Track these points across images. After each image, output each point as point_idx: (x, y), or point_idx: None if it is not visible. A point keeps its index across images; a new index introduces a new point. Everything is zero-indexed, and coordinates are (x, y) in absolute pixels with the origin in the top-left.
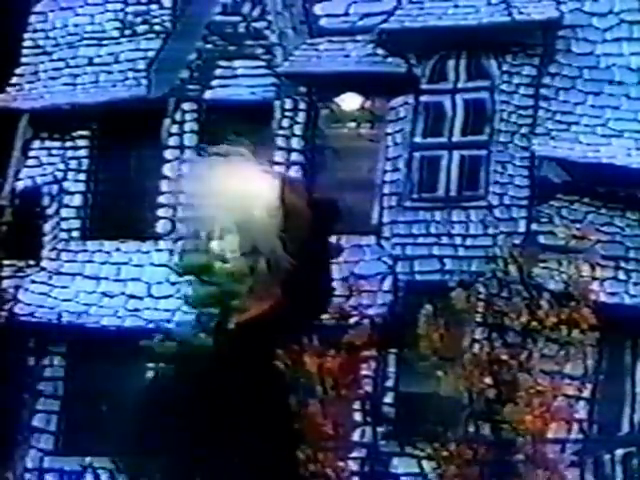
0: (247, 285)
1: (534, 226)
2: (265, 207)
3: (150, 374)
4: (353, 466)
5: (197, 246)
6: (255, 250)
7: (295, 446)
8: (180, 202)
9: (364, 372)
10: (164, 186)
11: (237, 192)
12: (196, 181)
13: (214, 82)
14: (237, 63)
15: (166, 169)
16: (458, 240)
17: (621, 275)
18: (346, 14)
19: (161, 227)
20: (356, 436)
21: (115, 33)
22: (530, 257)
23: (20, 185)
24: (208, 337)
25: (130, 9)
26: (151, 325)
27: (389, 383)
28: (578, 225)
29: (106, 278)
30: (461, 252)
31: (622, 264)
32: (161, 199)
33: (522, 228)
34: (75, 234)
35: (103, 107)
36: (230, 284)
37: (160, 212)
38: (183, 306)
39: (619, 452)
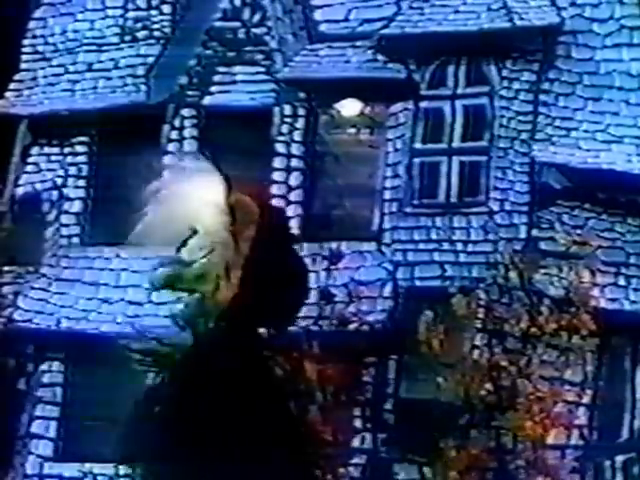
0: (212, 284)
1: (535, 232)
2: (213, 207)
3: (149, 379)
4: (353, 472)
5: (168, 258)
6: (214, 249)
7: (301, 446)
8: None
9: (364, 378)
10: None
11: (187, 197)
12: (153, 194)
13: (213, 88)
14: (237, 69)
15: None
16: (459, 246)
17: (621, 281)
18: (346, 20)
19: None
20: (356, 442)
21: (114, 39)
22: (531, 263)
23: (19, 191)
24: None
25: (130, 15)
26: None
27: (389, 389)
28: (579, 231)
29: (106, 284)
30: (462, 258)
31: (622, 270)
32: None
33: (523, 234)
34: (75, 240)
35: (102, 113)
36: (199, 287)
37: None
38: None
39: (619, 458)
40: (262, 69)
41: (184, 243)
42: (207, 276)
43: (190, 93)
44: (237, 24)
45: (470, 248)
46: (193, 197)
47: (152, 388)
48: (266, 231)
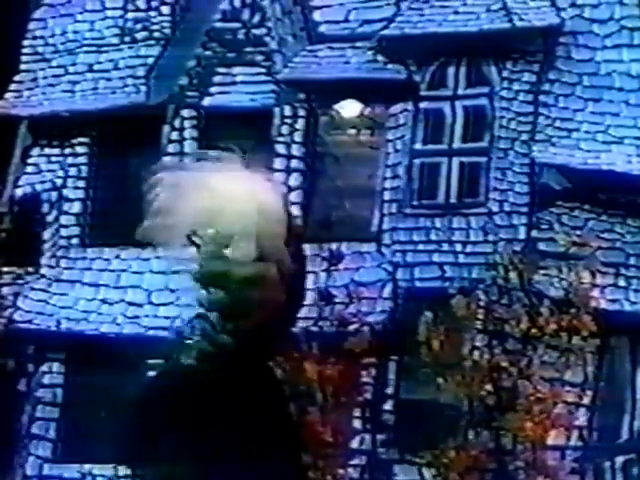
0: (257, 291)
1: (534, 233)
2: (272, 213)
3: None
4: (353, 473)
5: (214, 254)
6: (263, 256)
7: (298, 452)
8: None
9: (364, 379)
10: None
11: (244, 198)
12: (196, 188)
13: (213, 89)
14: (236, 70)
15: None
16: (458, 247)
17: (621, 282)
18: (346, 21)
19: None
20: (355, 443)
21: (114, 40)
22: (530, 264)
23: (19, 192)
24: (209, 341)
25: (129, 16)
26: (150, 332)
27: (389, 390)
28: (578, 232)
29: (105, 285)
30: (461, 259)
31: (622, 271)
32: None
33: (522, 235)
34: (74, 241)
35: (102, 114)
36: (241, 290)
37: None
38: (183, 313)
39: (619, 459)
40: (262, 70)
41: (232, 243)
42: (260, 281)
43: (190, 94)
44: (237, 25)
45: (469, 249)
46: (249, 199)
47: (154, 388)
48: (301, 239)
